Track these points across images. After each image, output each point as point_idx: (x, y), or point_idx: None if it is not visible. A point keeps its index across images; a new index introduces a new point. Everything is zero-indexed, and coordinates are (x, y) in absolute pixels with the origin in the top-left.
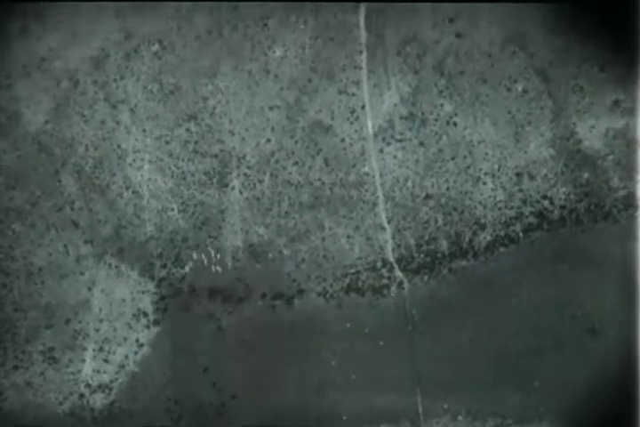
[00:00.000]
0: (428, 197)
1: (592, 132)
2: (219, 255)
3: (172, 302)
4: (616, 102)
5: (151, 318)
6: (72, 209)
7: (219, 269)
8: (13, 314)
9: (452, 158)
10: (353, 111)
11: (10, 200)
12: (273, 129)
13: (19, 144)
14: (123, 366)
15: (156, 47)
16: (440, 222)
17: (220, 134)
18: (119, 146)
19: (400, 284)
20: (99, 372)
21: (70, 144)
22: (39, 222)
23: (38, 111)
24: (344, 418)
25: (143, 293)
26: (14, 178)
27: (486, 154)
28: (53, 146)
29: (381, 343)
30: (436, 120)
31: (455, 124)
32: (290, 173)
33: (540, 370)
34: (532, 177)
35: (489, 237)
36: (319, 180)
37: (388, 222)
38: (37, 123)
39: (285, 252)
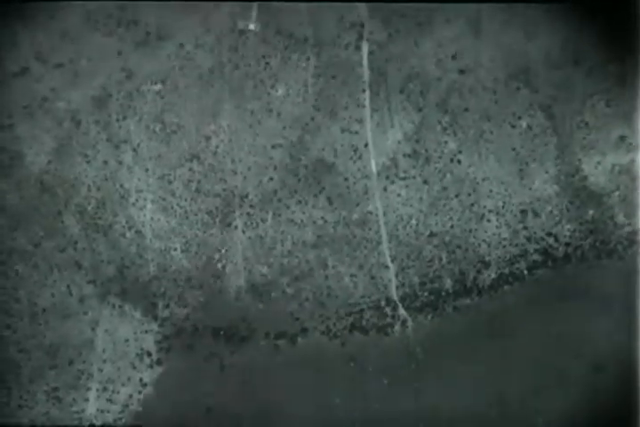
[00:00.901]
0: (432, 234)
1: (597, 169)
2: (222, 295)
3: (175, 341)
4: (622, 138)
5: (155, 357)
6: (75, 249)
7: (222, 308)
8: (17, 354)
9: (457, 196)
10: (356, 149)
11: (13, 241)
12: (276, 167)
13: (21, 185)
14: (126, 406)
15: (158, 86)
16: (444, 260)
17: (223, 173)
18: (122, 186)
19: (404, 322)
20: (103, 412)
21: (73, 184)
22: (42, 263)
23: (41, 152)
24: None
25: (146, 332)
26: (17, 219)
27: (491, 191)
28: (56, 186)
29: (385, 382)
30: (439, 157)
31: (459, 161)
32: (293, 212)
33: (544, 407)
34: (536, 214)
35: (493, 275)
36: (322, 218)
37: (392, 261)
38: (40, 163)
39: (289, 291)
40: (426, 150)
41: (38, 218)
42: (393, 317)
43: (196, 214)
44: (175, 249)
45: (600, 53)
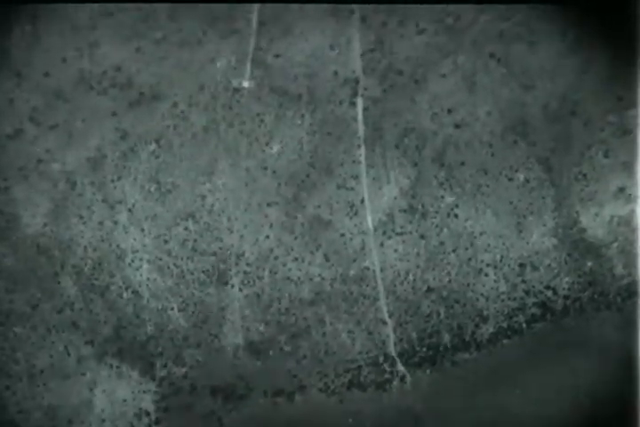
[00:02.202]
0: (429, 290)
1: (596, 221)
2: (219, 353)
3: (173, 400)
4: (621, 189)
5: (153, 417)
6: (72, 310)
7: (220, 366)
8: (16, 415)
9: (454, 250)
10: (352, 206)
11: (10, 303)
12: (272, 225)
13: (18, 247)
14: None
15: (152, 146)
16: (442, 315)
17: (219, 232)
18: (118, 246)
19: (402, 378)
20: None
21: (69, 246)
22: (40, 325)
23: (36, 214)
24: None
25: (145, 392)
26: (14, 281)
27: (488, 245)
28: (52, 248)
29: None
30: (436, 212)
31: (456, 215)
32: (289, 270)
33: None
34: (534, 267)
35: (492, 329)
36: (319, 275)
37: (390, 317)
38: (36, 225)
39: (286, 348)
40: (422, 205)
41: (35, 280)
42: (391, 373)
43: (192, 273)
44: (172, 308)
45: (600, 106)
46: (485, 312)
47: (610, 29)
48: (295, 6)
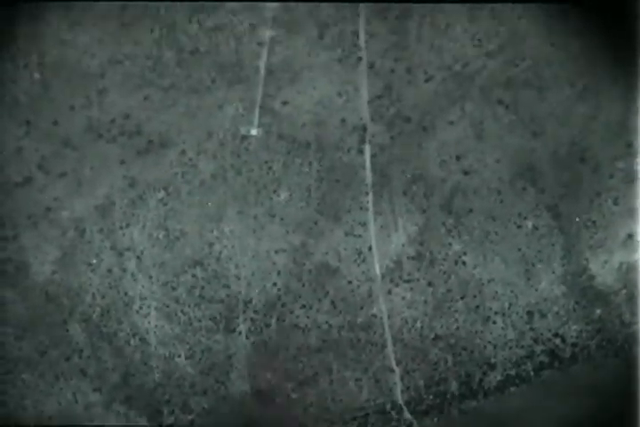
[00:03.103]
0: (437, 337)
1: (605, 268)
2: (226, 401)
3: None
4: (630, 236)
5: None
6: (80, 358)
7: (227, 414)
8: None
9: (462, 298)
10: (360, 253)
11: (19, 350)
12: (279, 273)
13: (27, 294)
14: None
15: (161, 194)
16: (450, 363)
17: (227, 279)
18: (126, 293)
19: (409, 426)
20: None
21: (77, 293)
22: (48, 372)
23: (45, 261)
24: None
25: None
26: (23, 328)
27: (496, 293)
28: (61, 295)
29: None
30: (444, 260)
31: (464, 263)
32: (297, 317)
33: None
34: (543, 315)
35: (499, 377)
36: (327, 323)
37: (397, 364)
38: (44, 273)
39: (293, 396)
40: (430, 253)
41: (44, 327)
42: (398, 420)
43: (199, 321)
44: (179, 356)
45: (607, 152)
46: (493, 360)
47: (616, 78)
48: (304, 53)
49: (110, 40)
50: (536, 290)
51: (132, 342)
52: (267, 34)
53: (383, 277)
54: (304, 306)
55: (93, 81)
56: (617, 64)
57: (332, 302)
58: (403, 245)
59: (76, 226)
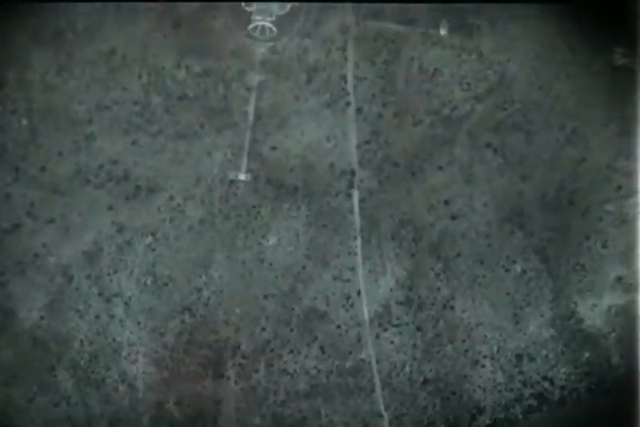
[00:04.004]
0: (426, 381)
1: (594, 311)
2: None
3: None
4: (619, 279)
5: None
6: (68, 404)
7: None
8: None
9: (450, 342)
10: (348, 297)
11: (7, 396)
12: (268, 318)
13: (15, 341)
14: None
15: (149, 239)
16: (438, 407)
17: (215, 325)
18: (114, 340)
19: None
20: None
21: (65, 339)
22: (37, 418)
23: (33, 308)
24: None
25: None
26: (11, 374)
27: (485, 336)
28: (49, 342)
29: None
30: (432, 304)
31: (453, 307)
32: (285, 362)
33: None
34: (532, 358)
35: (488, 421)
36: (315, 368)
37: (386, 409)
38: (32, 319)
39: None
40: (419, 297)
41: (32, 373)
42: None
43: (188, 366)
44: (168, 402)
45: (597, 196)
46: (482, 404)
47: (606, 121)
48: (292, 98)
49: (98, 86)
50: (525, 334)
51: (120, 388)
52: (255, 79)
53: (372, 321)
54: (292, 351)
55: (81, 127)
56: (607, 109)
57: (321, 347)
58: (391, 290)
59: (63, 272)
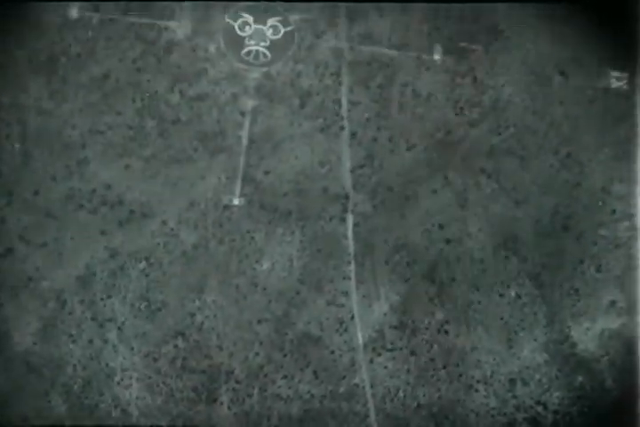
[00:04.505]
0: (419, 406)
1: (587, 335)
2: None
3: None
4: (612, 303)
5: None
6: None
7: None
8: None
9: (444, 367)
10: (342, 322)
11: (0, 422)
12: (261, 343)
13: (8, 366)
14: None
15: (142, 264)
16: None
17: (209, 350)
18: (107, 365)
19: None
20: None
21: (58, 364)
22: None
23: (26, 332)
24: None
25: None
26: (4, 399)
27: (479, 361)
28: (42, 366)
29: None
30: (426, 329)
31: (447, 331)
32: (279, 387)
33: None
34: (525, 383)
35: None
36: (309, 393)
37: None
38: (25, 344)
39: None
40: (412, 321)
41: (25, 398)
42: None
43: (181, 392)
44: None
45: (591, 221)
46: None
47: (600, 146)
48: (286, 123)
49: (91, 110)
50: (518, 358)
51: (113, 413)
52: (249, 103)
53: (365, 346)
54: (286, 376)
55: (74, 151)
56: (602, 133)
57: (315, 372)
58: (385, 315)
59: (57, 297)
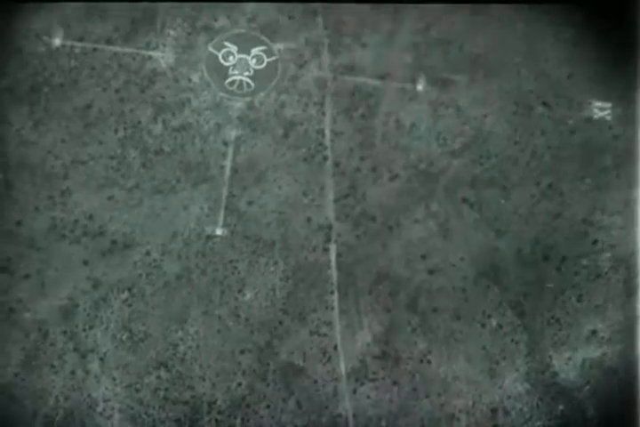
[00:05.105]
0: None
1: (568, 364)
2: None
3: None
4: (593, 332)
5: None
6: None
7: None
8: None
9: (427, 396)
10: (325, 352)
11: None
12: (244, 373)
13: None
14: None
15: (124, 295)
16: None
17: (191, 380)
18: (89, 395)
19: None
20: None
21: (41, 395)
22: None
23: (8, 363)
24: None
25: None
26: None
27: (461, 391)
28: (24, 397)
29: None
30: (409, 358)
31: (429, 361)
32: (261, 417)
33: None
34: (507, 412)
35: None
36: (291, 423)
37: None
38: (8, 375)
39: None
40: (395, 351)
41: None
42: None
43: (164, 422)
44: None
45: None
46: None
47: (582, 176)
48: (268, 153)
49: (74, 140)
50: (500, 388)
51: None
52: (232, 133)
53: (348, 376)
54: (269, 406)
55: (57, 181)
56: (583, 163)
57: (297, 402)
58: (368, 345)
59: (39, 328)
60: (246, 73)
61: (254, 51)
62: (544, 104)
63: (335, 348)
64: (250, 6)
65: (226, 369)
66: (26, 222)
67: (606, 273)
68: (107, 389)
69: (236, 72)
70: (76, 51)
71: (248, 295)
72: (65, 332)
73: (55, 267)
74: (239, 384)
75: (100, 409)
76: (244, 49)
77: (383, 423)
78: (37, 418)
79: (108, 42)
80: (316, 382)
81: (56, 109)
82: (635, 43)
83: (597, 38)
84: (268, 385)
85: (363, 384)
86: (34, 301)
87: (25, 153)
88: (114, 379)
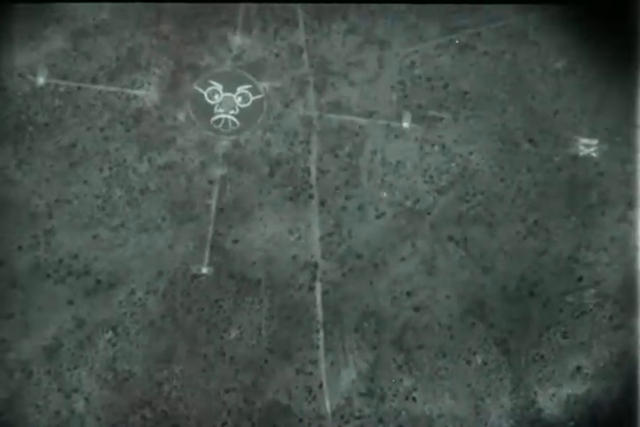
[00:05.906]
0: None
1: (553, 401)
2: None
3: None
4: (578, 368)
5: None
6: None
7: None
8: None
9: None
10: (310, 391)
11: None
12: (230, 412)
13: None
14: None
15: (109, 334)
16: None
17: (176, 420)
18: None
19: None
20: None
21: None
22: None
23: None
24: None
25: None
26: None
27: None
28: None
29: None
30: (394, 395)
31: (414, 398)
32: None
33: None
34: None
35: None
36: None
37: None
38: None
39: None
40: (381, 389)
41: None
42: None
43: None
44: None
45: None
46: None
47: (568, 214)
48: (254, 191)
49: (58, 179)
50: (485, 424)
51: None
52: (217, 172)
53: (334, 414)
54: None
55: (41, 221)
56: (569, 200)
57: None
58: (353, 382)
59: (23, 368)
60: (232, 111)
61: (240, 89)
62: (530, 141)
63: (320, 386)
64: (235, 44)
65: (211, 408)
66: (9, 262)
67: (591, 310)
68: None
69: (222, 110)
70: (61, 89)
71: (233, 334)
72: (49, 372)
73: (39, 306)
74: (224, 424)
75: None
76: (230, 87)
77: None
78: None
79: (93, 80)
80: (301, 420)
81: (40, 148)
82: (627, 77)
83: (586, 70)
84: (253, 424)
85: (348, 422)
86: (18, 341)
87: (8, 192)
88: (98, 419)
